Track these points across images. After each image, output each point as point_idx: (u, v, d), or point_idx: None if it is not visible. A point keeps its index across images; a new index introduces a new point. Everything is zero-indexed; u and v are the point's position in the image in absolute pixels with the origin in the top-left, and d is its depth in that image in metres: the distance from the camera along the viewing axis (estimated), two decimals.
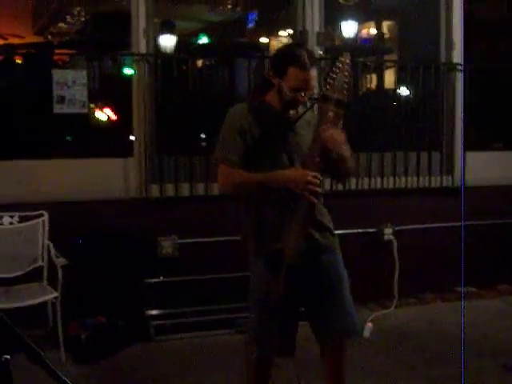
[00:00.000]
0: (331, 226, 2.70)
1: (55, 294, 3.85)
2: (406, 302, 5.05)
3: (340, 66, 2.40)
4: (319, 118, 2.45)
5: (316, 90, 2.55)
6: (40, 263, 4.11)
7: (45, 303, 3.98)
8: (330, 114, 2.39)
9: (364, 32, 7.57)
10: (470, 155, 5.32)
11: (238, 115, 2.59)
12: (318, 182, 2.41)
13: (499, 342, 4.11)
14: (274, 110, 2.60)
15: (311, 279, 2.59)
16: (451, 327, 4.56)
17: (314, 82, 2.53)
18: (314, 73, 2.52)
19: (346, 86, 2.39)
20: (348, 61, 2.41)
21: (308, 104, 2.62)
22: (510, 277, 5.31)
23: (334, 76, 2.40)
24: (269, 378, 2.77)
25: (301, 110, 2.64)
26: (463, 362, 3.57)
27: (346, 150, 2.48)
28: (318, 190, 2.41)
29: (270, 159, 2.55)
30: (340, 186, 4.86)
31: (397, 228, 5.07)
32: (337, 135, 2.41)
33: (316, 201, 2.43)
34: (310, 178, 2.40)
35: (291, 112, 2.62)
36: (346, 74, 2.40)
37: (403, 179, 5.15)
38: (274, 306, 2.52)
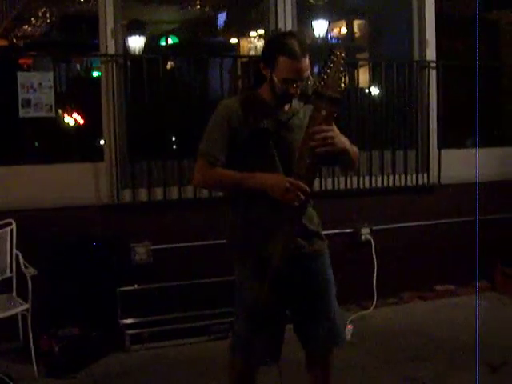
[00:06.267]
0: (320, 229, 2.61)
1: (25, 306, 3.72)
2: (384, 301, 5.03)
3: (335, 60, 2.29)
4: (311, 116, 2.34)
5: (310, 83, 2.44)
6: (8, 274, 3.97)
7: (15, 316, 3.83)
8: (323, 112, 2.29)
9: (336, 31, 7.54)
10: (445, 153, 5.31)
11: (227, 110, 2.47)
12: (298, 191, 2.30)
13: (482, 339, 4.08)
14: (267, 104, 2.50)
15: (298, 287, 2.53)
16: (432, 326, 4.56)
17: (307, 73, 2.41)
18: (306, 62, 2.39)
19: (339, 83, 2.28)
20: (343, 55, 2.29)
21: (301, 104, 2.52)
22: (486, 273, 5.31)
23: (328, 71, 2.29)
24: None
25: (295, 104, 2.53)
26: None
27: (342, 143, 2.37)
28: (295, 202, 2.31)
29: (260, 156, 2.45)
30: (315, 187, 4.81)
31: (374, 228, 5.03)
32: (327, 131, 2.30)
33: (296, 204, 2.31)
34: (288, 185, 2.30)
35: (286, 107, 2.51)
36: (341, 69, 2.29)
37: (379, 178, 5.11)
38: (261, 313, 2.45)
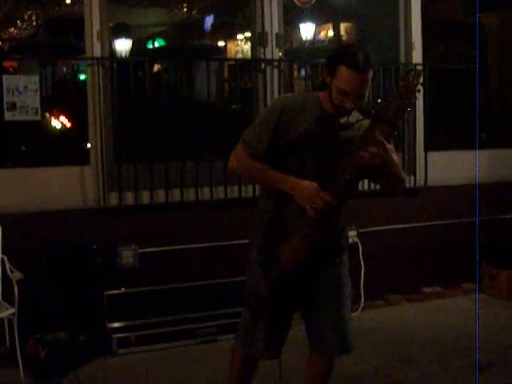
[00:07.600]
0: (342, 238, 2.62)
1: (11, 311, 3.68)
2: (372, 304, 5.03)
3: (406, 85, 2.22)
4: (363, 134, 2.28)
5: (366, 100, 2.40)
6: None
7: (1, 320, 3.80)
8: (377, 133, 2.21)
9: (323, 33, 7.56)
10: (432, 155, 5.33)
11: (282, 106, 2.45)
12: (324, 205, 2.29)
13: (470, 341, 4.10)
14: (323, 110, 2.44)
15: (311, 291, 2.55)
16: (419, 328, 4.57)
17: (366, 90, 2.34)
18: (367, 78, 2.30)
19: (403, 110, 2.20)
20: (417, 82, 2.21)
21: (359, 116, 2.45)
22: (473, 275, 5.33)
23: (396, 96, 2.22)
24: (252, 378, 2.74)
25: (352, 117, 2.45)
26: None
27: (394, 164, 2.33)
28: (314, 215, 2.31)
29: (299, 160, 2.42)
30: None
31: (361, 230, 5.04)
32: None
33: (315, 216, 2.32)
34: (317, 197, 2.30)
35: (342, 119, 2.44)
36: (410, 95, 2.20)
37: (366, 181, 5.08)
38: (257, 305, 2.48)
